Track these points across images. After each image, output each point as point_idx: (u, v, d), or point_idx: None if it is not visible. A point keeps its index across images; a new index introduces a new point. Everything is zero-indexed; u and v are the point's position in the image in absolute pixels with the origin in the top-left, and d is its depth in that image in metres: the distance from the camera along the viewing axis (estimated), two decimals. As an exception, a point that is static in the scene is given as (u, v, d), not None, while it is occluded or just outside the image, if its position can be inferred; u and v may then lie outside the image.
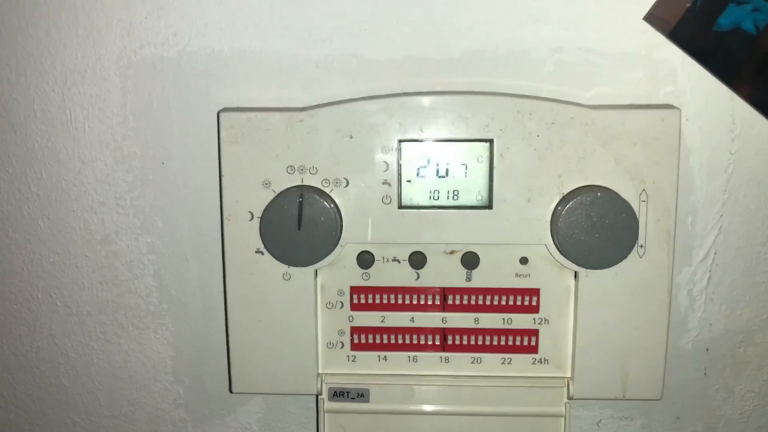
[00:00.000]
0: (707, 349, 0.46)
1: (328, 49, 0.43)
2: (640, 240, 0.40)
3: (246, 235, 0.41)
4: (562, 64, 0.42)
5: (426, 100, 0.40)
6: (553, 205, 0.40)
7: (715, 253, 0.45)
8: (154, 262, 0.47)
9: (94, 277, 0.47)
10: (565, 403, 0.42)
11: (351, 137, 0.40)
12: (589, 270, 0.40)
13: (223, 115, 0.41)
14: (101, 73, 0.44)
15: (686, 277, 0.45)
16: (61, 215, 0.46)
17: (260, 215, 0.40)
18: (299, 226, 0.40)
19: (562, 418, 0.42)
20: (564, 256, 0.40)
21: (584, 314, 0.41)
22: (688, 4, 0.39)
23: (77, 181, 0.46)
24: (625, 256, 0.39)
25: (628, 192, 0.39)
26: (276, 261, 0.41)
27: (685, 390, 0.47)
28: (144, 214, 0.46)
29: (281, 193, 0.40)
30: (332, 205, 0.40)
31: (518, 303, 0.42)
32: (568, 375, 0.43)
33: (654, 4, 0.40)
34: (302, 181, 0.41)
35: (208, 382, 0.49)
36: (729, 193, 0.44)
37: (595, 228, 0.39)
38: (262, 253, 0.41)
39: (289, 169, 0.40)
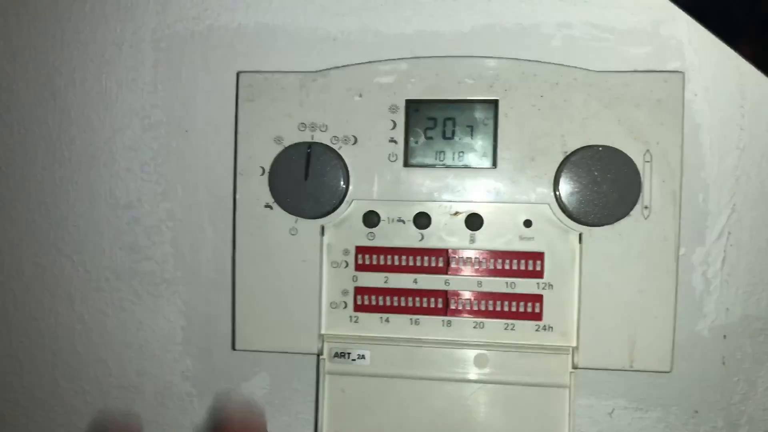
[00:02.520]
0: (725, 336, 0.45)
1: (345, 23, 0.45)
2: (645, 201, 0.40)
3: (256, 189, 0.43)
4: (569, 40, 0.44)
5: (433, 62, 0.41)
6: (557, 164, 0.40)
7: (729, 233, 0.44)
8: (172, 229, 0.48)
9: (115, 243, 0.49)
10: (570, 373, 0.41)
11: (360, 96, 0.42)
12: (593, 229, 0.40)
13: (242, 75, 0.43)
14: (137, 46, 0.47)
15: (700, 258, 0.44)
16: (89, 181, 0.49)
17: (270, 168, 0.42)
18: (306, 176, 0.41)
19: (567, 389, 0.41)
20: (566, 213, 0.40)
21: (589, 278, 0.41)
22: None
23: (107, 147, 0.48)
24: (628, 211, 0.39)
25: (631, 152, 0.40)
26: (284, 215, 0.42)
27: (703, 381, 0.45)
28: (166, 181, 0.48)
29: (290, 146, 0.42)
30: (339, 159, 0.41)
31: (522, 267, 0.42)
32: (573, 344, 0.42)
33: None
34: (312, 138, 0.42)
35: (217, 355, 0.49)
36: (741, 170, 0.43)
37: (597, 183, 0.39)
38: (271, 208, 0.43)
39: (300, 126, 0.42)
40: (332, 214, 0.42)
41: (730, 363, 0.45)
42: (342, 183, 0.41)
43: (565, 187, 0.40)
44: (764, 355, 0.44)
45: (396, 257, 0.43)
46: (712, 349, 0.45)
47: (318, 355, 0.43)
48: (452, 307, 0.42)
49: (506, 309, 0.42)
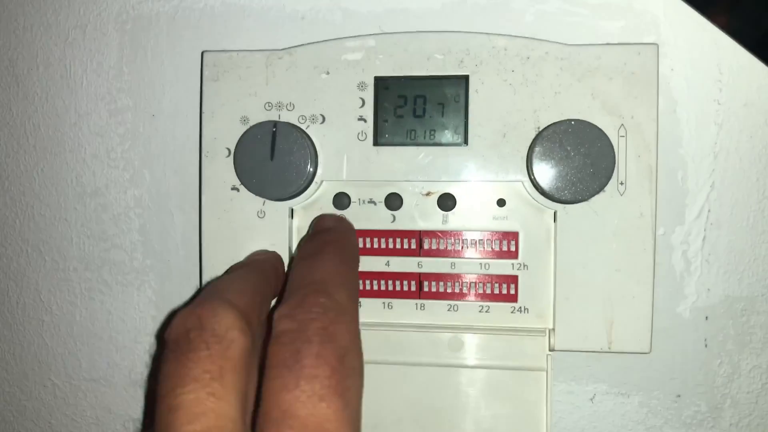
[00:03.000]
0: (707, 318, 0.43)
1: (314, 1, 0.44)
2: (621, 177, 0.39)
3: (222, 171, 0.41)
4: (542, 15, 0.43)
5: (402, 38, 0.40)
6: (529, 140, 0.39)
7: (708, 211, 0.43)
8: (141, 216, 0.47)
9: (82, 232, 0.48)
10: (547, 356, 0.40)
11: (328, 73, 0.41)
12: (567, 206, 0.39)
13: (206, 55, 0.42)
14: (101, 28, 0.46)
15: (680, 237, 0.43)
16: (54, 168, 0.48)
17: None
18: (272, 156, 0.40)
19: (544, 372, 0.40)
20: (540, 190, 0.39)
21: (564, 257, 0.40)
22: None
23: (72, 133, 0.47)
24: (602, 186, 0.38)
25: (606, 126, 0.39)
26: (251, 197, 0.41)
27: (685, 364, 0.44)
28: (133, 167, 0.47)
29: (255, 125, 0.40)
30: (307, 138, 0.40)
31: (496, 248, 0.41)
32: (550, 325, 0.40)
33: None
34: (279, 117, 0.41)
35: (188, 345, 0.48)
36: (720, 146, 0.42)
37: (571, 158, 0.38)
38: (238, 190, 0.41)
39: (266, 106, 0.41)
40: (301, 196, 0.41)
41: (713, 345, 0.44)
42: (310, 163, 0.40)
43: (538, 164, 0.38)
44: (747, 337, 0.43)
45: (368, 240, 0.41)
46: (694, 330, 0.44)
47: (288, 342, 0.42)
48: (426, 289, 0.41)
49: (481, 291, 0.41)
